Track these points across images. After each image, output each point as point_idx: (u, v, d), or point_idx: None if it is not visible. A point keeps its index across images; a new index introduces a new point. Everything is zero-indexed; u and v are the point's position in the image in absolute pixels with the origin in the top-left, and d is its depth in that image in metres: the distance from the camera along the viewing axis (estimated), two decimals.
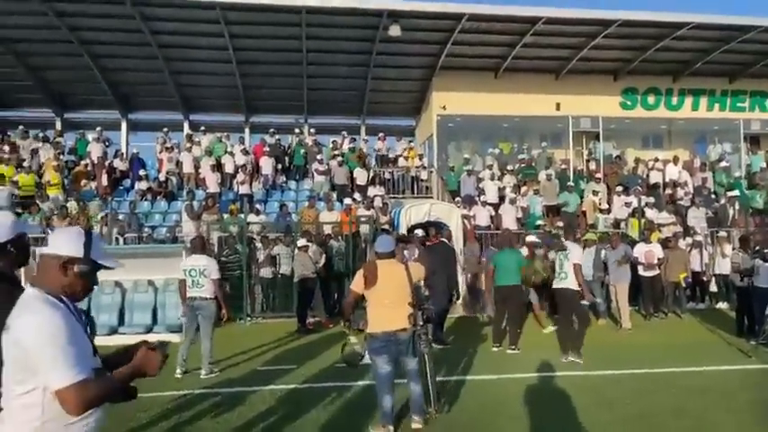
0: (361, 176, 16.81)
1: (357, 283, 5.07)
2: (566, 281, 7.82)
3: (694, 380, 6.86)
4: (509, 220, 14.67)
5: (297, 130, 18.88)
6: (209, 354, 7.09)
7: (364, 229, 13.12)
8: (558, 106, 18.38)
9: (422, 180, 18.22)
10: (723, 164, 17.93)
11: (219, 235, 12.91)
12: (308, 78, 18.21)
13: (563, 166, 18.28)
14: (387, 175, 18.19)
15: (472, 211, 14.96)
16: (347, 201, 14.35)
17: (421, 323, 5.18)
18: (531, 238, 10.36)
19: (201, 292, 7.08)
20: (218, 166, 16.55)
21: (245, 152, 17.24)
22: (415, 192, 17.95)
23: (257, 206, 14.73)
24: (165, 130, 18.42)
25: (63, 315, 1.98)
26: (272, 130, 18.99)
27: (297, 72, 17.88)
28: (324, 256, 11.15)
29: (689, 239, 13.11)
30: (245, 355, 8.31)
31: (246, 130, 20.68)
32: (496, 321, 8.97)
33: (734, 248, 12.01)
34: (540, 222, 14.29)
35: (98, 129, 18.17)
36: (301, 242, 10.46)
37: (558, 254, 8.11)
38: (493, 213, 15.12)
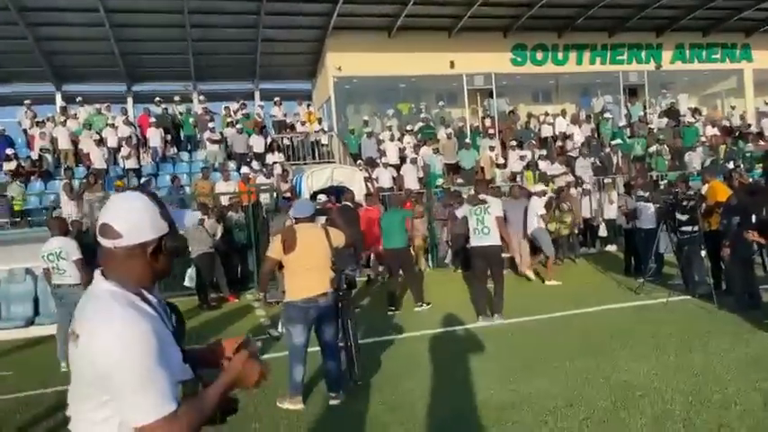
0: (258, 144, 16.13)
1: (275, 250, 4.80)
2: (488, 237, 7.27)
3: (591, 320, 7.21)
4: (411, 179, 14.76)
5: (177, 98, 17.66)
6: None
7: (265, 198, 12.65)
8: (452, 64, 18.50)
9: (323, 145, 17.81)
10: (607, 115, 18.93)
11: None
12: (194, 42, 17.06)
13: (460, 124, 18.56)
14: (286, 142, 17.64)
15: (375, 173, 14.89)
16: (245, 170, 13.74)
17: (344, 287, 4.99)
18: (539, 188, 10.27)
19: (64, 278, 6.47)
20: (101, 141, 15.29)
21: (129, 123, 16.01)
22: (317, 157, 17.54)
23: (146, 180, 13.75)
24: (28, 102, 16.63)
25: (151, 322, 1.50)
26: (157, 99, 17.67)
27: (180, 35, 16.67)
28: (221, 228, 10.60)
29: (579, 188, 13.76)
30: None
31: (129, 101, 19.17)
32: (390, 284, 8.86)
33: (619, 194, 12.79)
34: (440, 181, 14.48)
35: None
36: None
37: (473, 208, 7.47)
38: (395, 174, 15.14)
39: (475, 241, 7.47)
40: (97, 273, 1.57)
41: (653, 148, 16.91)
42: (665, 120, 19.53)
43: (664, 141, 17.09)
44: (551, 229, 10.28)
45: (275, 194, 12.40)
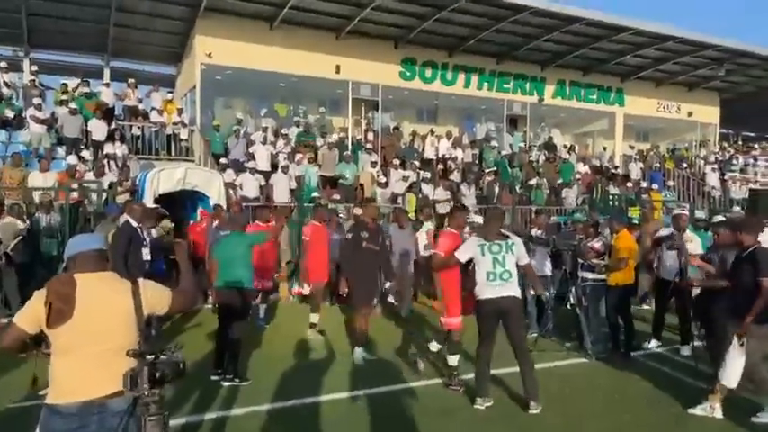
0: (98, 130, 13.39)
1: (28, 315, 2.68)
2: (508, 285, 5.12)
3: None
4: (281, 190, 12.97)
5: (3, 65, 14.34)
6: None
7: (93, 198, 10.18)
8: (337, 69, 16.96)
9: (181, 140, 15.45)
10: (493, 143, 18.46)
11: None
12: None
13: (341, 135, 17.07)
14: (135, 132, 15.02)
15: (239, 179, 12.89)
16: (71, 160, 11.09)
17: (147, 386, 2.80)
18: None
19: None
20: None
21: None
22: (173, 153, 15.22)
23: None
24: None
25: None
26: None
27: None
28: (16, 234, 8.06)
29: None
30: None
31: None
32: (217, 337, 6.14)
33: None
34: (315, 194, 12.85)
35: None
36: None
37: (488, 245, 5.21)
38: (263, 183, 13.24)
39: (488, 291, 5.15)
40: None
41: (533, 181, 16.57)
42: (545, 153, 19.52)
43: (544, 175, 16.84)
44: None
45: (107, 195, 9.99)
